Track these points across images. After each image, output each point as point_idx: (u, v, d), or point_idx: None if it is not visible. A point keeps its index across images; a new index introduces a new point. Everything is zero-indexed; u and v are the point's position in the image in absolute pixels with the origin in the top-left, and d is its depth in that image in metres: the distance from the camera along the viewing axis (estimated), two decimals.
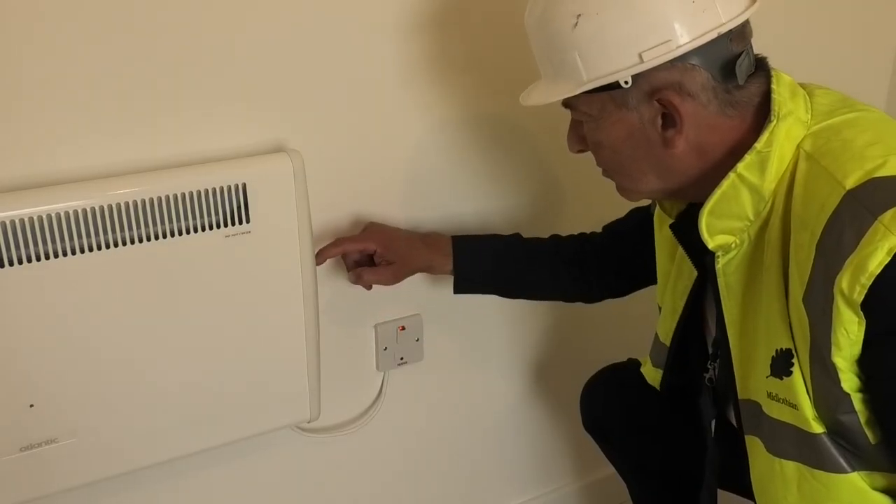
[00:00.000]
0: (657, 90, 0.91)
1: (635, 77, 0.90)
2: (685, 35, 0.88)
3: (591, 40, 0.90)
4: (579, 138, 1.02)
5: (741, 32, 0.92)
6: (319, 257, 1.22)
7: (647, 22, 0.88)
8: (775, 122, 0.90)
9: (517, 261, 1.29)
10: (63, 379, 1.05)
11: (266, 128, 1.16)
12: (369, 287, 1.27)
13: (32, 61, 1.00)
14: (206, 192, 1.07)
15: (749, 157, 0.90)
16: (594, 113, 0.96)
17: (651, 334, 1.26)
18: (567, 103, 0.99)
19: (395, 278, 1.25)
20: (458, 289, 1.30)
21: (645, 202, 1.21)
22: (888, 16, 1.77)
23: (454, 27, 1.25)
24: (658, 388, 1.24)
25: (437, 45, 1.25)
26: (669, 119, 0.92)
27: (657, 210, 1.14)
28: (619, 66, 0.90)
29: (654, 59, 0.88)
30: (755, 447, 1.02)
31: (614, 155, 0.98)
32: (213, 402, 1.17)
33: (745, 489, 1.09)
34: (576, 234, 1.34)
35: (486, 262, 1.28)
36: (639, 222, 1.24)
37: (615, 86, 0.91)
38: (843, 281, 0.81)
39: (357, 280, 1.25)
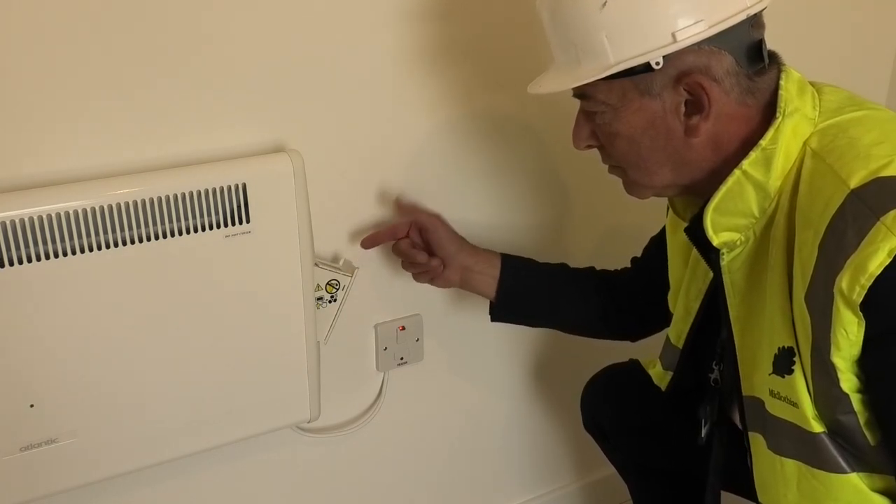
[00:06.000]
0: (685, 74, 0.89)
1: (664, 60, 0.89)
2: (715, 16, 0.87)
3: (622, 21, 0.89)
4: (591, 132, 0.99)
5: (760, 20, 0.92)
6: (368, 242, 1.21)
7: (679, 1, 0.87)
8: (781, 118, 0.90)
9: (557, 281, 1.27)
10: (63, 379, 1.05)
11: (266, 128, 1.16)
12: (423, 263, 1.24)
13: (32, 61, 1.00)
14: (206, 192, 1.07)
15: (754, 154, 0.90)
16: (614, 101, 0.94)
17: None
18: (582, 93, 0.97)
19: (449, 272, 1.23)
20: (499, 310, 1.27)
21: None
22: (888, 16, 1.77)
23: (457, 24, 1.25)
24: (664, 389, 1.24)
25: (440, 42, 1.25)
26: (694, 105, 0.91)
27: (669, 215, 1.13)
28: (651, 46, 0.88)
29: (687, 38, 0.87)
30: (758, 444, 1.02)
31: (631, 146, 0.96)
32: (213, 402, 1.17)
33: (745, 489, 1.09)
34: (610, 270, 1.32)
35: (531, 278, 1.26)
36: (658, 246, 1.22)
37: (640, 70, 0.90)
38: (843, 281, 0.81)
39: (411, 259, 1.23)
